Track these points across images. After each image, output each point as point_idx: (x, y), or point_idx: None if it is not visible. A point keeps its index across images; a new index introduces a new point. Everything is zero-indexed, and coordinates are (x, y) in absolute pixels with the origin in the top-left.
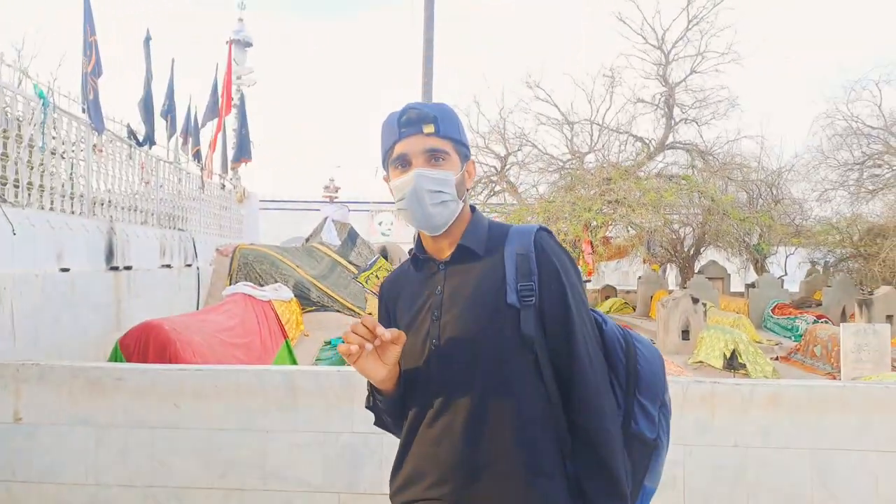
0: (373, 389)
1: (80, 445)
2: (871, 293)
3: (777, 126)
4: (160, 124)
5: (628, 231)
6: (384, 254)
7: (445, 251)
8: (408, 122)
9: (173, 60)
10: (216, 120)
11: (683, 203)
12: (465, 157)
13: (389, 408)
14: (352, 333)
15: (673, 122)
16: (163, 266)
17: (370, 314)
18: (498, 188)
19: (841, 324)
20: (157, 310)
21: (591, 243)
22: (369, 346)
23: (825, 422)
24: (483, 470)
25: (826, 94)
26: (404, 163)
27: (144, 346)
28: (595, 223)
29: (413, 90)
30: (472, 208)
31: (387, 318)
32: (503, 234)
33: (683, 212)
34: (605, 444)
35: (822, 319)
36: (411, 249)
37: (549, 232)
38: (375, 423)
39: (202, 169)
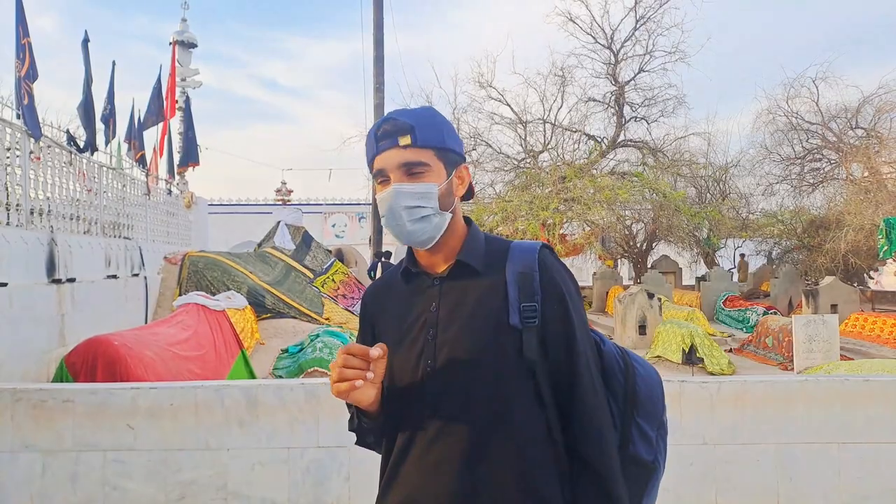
0: (358, 412)
1: (25, 472)
2: (816, 284)
3: (723, 123)
4: (102, 129)
5: (584, 228)
6: (340, 257)
7: (440, 265)
8: (384, 134)
9: (114, 63)
10: (161, 123)
11: (636, 199)
12: (453, 163)
13: (376, 428)
14: (345, 370)
15: (623, 120)
16: (108, 277)
17: (327, 319)
18: None
19: (793, 316)
20: (103, 323)
21: (548, 241)
22: (369, 374)
23: (788, 416)
24: (479, 498)
25: (767, 91)
26: (383, 178)
27: (92, 363)
28: (552, 221)
29: (364, 90)
30: (469, 221)
31: (370, 333)
32: (503, 251)
33: (636, 208)
34: (605, 471)
35: (772, 310)
36: (402, 260)
37: (552, 249)
38: (357, 443)
39: (147, 174)
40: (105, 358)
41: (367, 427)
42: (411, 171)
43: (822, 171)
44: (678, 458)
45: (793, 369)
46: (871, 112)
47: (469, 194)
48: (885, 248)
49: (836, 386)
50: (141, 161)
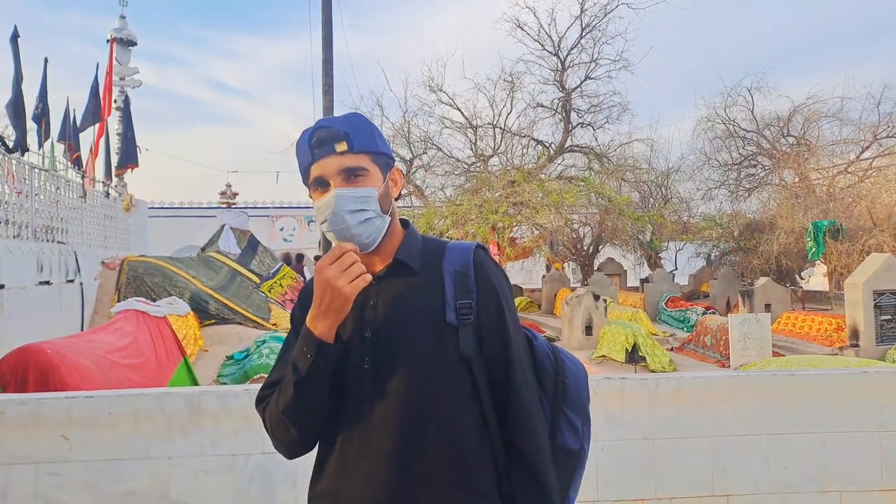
0: (319, 348)
1: None
2: (751, 284)
3: (665, 129)
4: (32, 127)
5: (532, 232)
6: (287, 261)
7: (377, 265)
8: (319, 142)
9: (46, 59)
10: (97, 124)
11: (583, 203)
12: (386, 166)
13: (326, 373)
14: (353, 267)
15: (570, 126)
16: (41, 283)
17: (274, 325)
18: (404, 191)
19: (728, 315)
20: (36, 332)
21: (498, 244)
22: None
23: (722, 410)
24: (418, 493)
25: (707, 100)
26: (322, 184)
27: (23, 373)
28: (501, 225)
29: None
30: (406, 223)
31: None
32: (440, 251)
33: (583, 212)
34: (538, 460)
35: (710, 310)
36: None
37: (486, 249)
38: (277, 440)
39: (83, 176)
40: (37, 367)
41: (322, 368)
42: (351, 176)
43: (757, 177)
44: (620, 453)
45: (729, 366)
46: (801, 121)
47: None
48: (813, 249)
49: (765, 381)
50: (77, 163)
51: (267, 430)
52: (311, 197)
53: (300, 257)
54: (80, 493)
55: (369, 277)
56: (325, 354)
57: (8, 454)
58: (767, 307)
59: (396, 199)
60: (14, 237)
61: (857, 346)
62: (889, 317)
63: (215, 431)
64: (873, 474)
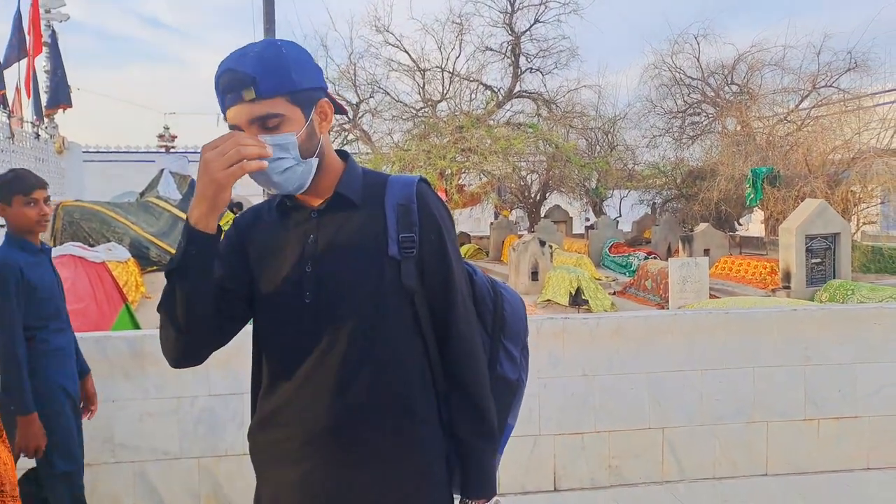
0: (190, 236)
1: None
2: (691, 230)
3: (613, 76)
4: None
5: (480, 178)
6: (231, 207)
7: (317, 200)
8: (226, 87)
9: None
10: (24, 60)
11: (531, 150)
12: (309, 102)
13: (200, 264)
14: (249, 148)
15: (519, 71)
16: None
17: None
18: (351, 136)
19: (668, 259)
20: None
21: (446, 191)
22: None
23: (658, 348)
24: (358, 426)
25: (654, 46)
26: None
27: None
28: (449, 171)
29: (254, 30)
30: (345, 155)
31: (239, 257)
32: (381, 184)
33: (531, 159)
34: (477, 389)
35: (652, 256)
36: (276, 194)
37: (428, 183)
38: (165, 301)
39: (10, 116)
40: None
41: (194, 258)
42: (264, 124)
43: (700, 125)
44: (560, 389)
45: (668, 308)
46: (745, 69)
47: (340, 110)
48: (752, 196)
49: (701, 319)
50: (2, 101)
51: None
52: None
53: (239, 205)
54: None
55: (255, 166)
56: (197, 242)
57: None
58: (706, 252)
59: (331, 131)
60: None
61: (788, 287)
62: (819, 260)
63: (159, 374)
64: (798, 406)
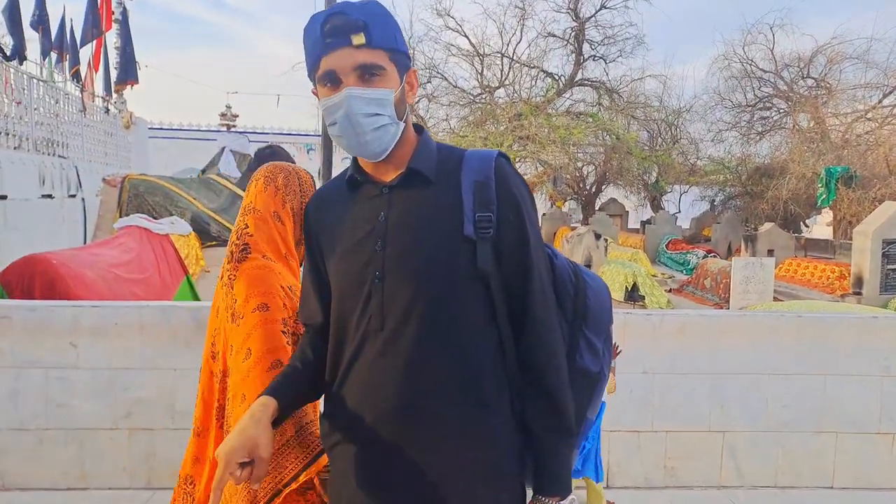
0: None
1: None
2: (755, 229)
3: (680, 66)
4: (32, 37)
5: (537, 168)
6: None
7: (390, 174)
8: (333, 31)
9: None
10: (97, 38)
11: (590, 141)
12: (404, 67)
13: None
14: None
15: (582, 58)
16: (43, 196)
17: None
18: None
19: (732, 258)
20: (39, 244)
21: None
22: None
23: (724, 348)
24: (427, 411)
25: (725, 36)
26: (333, 80)
27: (29, 281)
28: None
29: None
30: (419, 129)
31: (316, 248)
32: (457, 159)
33: (591, 150)
34: (554, 381)
35: (712, 254)
36: (346, 169)
37: (508, 158)
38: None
39: (82, 90)
40: (43, 276)
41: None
42: (367, 74)
43: (770, 120)
44: (619, 385)
45: (728, 309)
46: (823, 62)
47: None
48: (824, 196)
49: (772, 321)
50: (76, 76)
51: None
52: (314, 93)
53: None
54: (88, 398)
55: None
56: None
57: (17, 358)
58: (770, 253)
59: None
60: (15, 149)
61: (860, 293)
62: (895, 266)
63: None
64: (871, 418)
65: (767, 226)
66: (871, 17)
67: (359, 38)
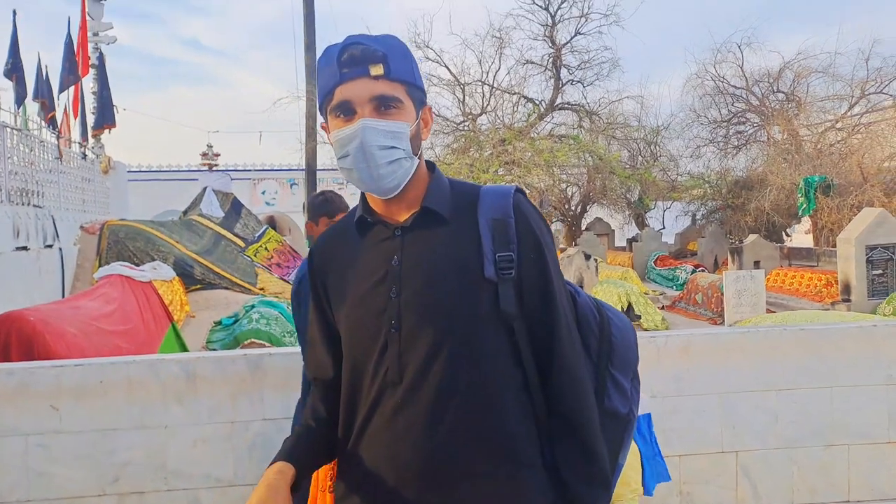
0: None
1: None
2: (739, 241)
3: (655, 86)
4: (5, 85)
5: None
6: (272, 224)
7: (402, 214)
8: (350, 60)
9: (14, 12)
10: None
11: (573, 162)
12: (420, 102)
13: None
14: None
15: (561, 83)
16: (18, 249)
17: (262, 289)
18: None
19: (723, 272)
20: (15, 299)
21: None
22: None
23: (730, 367)
24: (453, 469)
25: (696, 56)
26: (347, 111)
27: (5, 341)
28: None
29: (294, 50)
30: (431, 165)
31: (323, 296)
32: (473, 196)
33: (574, 171)
34: (586, 428)
35: (700, 268)
36: (354, 208)
37: (525, 193)
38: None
39: (59, 137)
40: (20, 335)
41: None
42: (383, 106)
43: (745, 134)
44: None
45: (722, 323)
46: (791, 77)
47: None
48: (804, 205)
49: (775, 336)
50: (52, 123)
51: None
52: (323, 128)
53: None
54: (72, 464)
55: None
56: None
57: None
58: (756, 264)
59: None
60: None
61: (848, 300)
62: (880, 271)
63: (212, 398)
64: (880, 428)
65: (752, 237)
66: (833, 33)
67: (377, 69)
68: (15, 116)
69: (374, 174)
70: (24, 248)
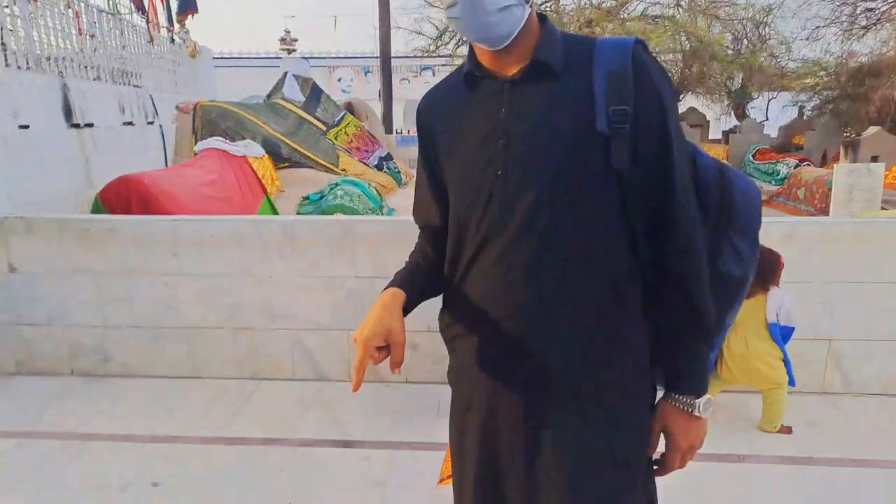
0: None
1: (82, 292)
2: (857, 135)
3: None
4: None
5: None
6: (350, 110)
7: (511, 67)
8: None
9: None
10: None
11: (668, 46)
12: None
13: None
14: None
15: None
16: (125, 124)
17: (343, 170)
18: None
19: (834, 166)
20: (127, 168)
21: None
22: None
23: (834, 256)
24: (554, 312)
25: None
26: None
27: (126, 199)
28: None
29: None
30: (542, 17)
31: (431, 147)
32: (588, 48)
33: (670, 56)
34: (695, 288)
35: (805, 163)
36: (461, 65)
37: (647, 46)
38: None
39: (148, 22)
40: (138, 195)
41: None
42: None
43: (877, 11)
44: None
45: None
46: None
47: None
48: None
49: (889, 228)
50: (140, 8)
51: None
52: None
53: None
54: (193, 301)
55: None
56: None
57: (126, 266)
58: (874, 159)
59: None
60: (94, 80)
61: None
62: None
63: (310, 256)
64: None
65: (872, 130)
66: None
67: None
68: (107, 1)
69: (483, 21)
70: (130, 124)
